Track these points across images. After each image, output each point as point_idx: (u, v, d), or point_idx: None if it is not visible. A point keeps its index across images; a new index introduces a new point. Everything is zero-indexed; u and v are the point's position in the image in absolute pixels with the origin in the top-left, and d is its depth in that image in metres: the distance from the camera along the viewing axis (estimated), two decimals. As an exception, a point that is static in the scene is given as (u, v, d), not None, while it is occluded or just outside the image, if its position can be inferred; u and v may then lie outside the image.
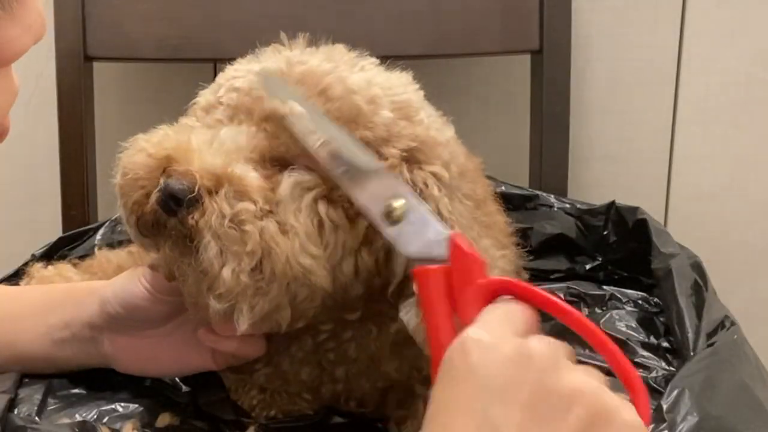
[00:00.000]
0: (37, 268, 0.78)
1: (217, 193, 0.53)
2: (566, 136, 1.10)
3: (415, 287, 0.50)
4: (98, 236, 0.86)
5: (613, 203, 0.88)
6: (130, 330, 0.65)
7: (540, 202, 0.93)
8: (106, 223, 0.87)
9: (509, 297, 0.48)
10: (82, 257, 0.82)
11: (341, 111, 0.56)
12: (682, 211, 1.22)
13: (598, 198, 0.93)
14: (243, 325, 0.55)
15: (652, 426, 0.53)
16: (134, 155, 0.56)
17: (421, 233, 0.51)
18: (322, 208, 0.56)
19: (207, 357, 0.65)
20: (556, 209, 0.92)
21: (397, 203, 0.52)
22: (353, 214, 0.56)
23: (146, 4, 1.07)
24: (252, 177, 0.55)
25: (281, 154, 0.56)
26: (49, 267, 0.78)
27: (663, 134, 1.20)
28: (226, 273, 0.53)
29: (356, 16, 1.04)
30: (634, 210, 0.86)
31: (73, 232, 0.88)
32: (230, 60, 0.64)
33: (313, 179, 0.56)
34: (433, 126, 0.60)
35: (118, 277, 0.65)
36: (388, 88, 0.59)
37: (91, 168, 1.07)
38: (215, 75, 0.64)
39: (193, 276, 0.55)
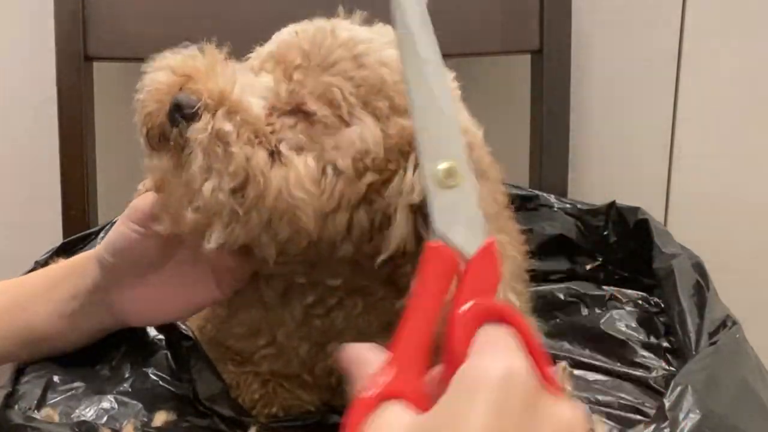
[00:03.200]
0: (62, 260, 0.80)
1: (216, 112, 0.55)
2: (566, 136, 1.10)
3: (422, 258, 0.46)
4: (98, 240, 0.86)
5: (613, 203, 0.88)
6: (132, 281, 0.66)
7: (540, 202, 0.93)
8: (107, 227, 0.87)
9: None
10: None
11: (366, 80, 0.58)
12: (682, 211, 1.22)
13: (598, 198, 0.93)
14: (213, 242, 0.56)
15: (654, 425, 0.53)
16: (158, 72, 0.58)
17: (460, 213, 0.46)
18: (328, 152, 0.57)
19: (212, 288, 0.66)
20: (556, 210, 0.92)
21: (458, 167, 0.46)
22: (362, 167, 0.57)
23: (146, 4, 1.07)
24: (254, 104, 0.56)
25: (301, 103, 0.58)
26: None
27: (663, 134, 1.20)
28: (207, 187, 0.54)
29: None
30: (635, 210, 0.86)
31: (75, 237, 0.88)
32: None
33: (323, 126, 0.57)
34: (463, 113, 0.61)
35: (103, 240, 0.67)
36: None
37: (91, 168, 1.08)
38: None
39: (177, 188, 0.57)
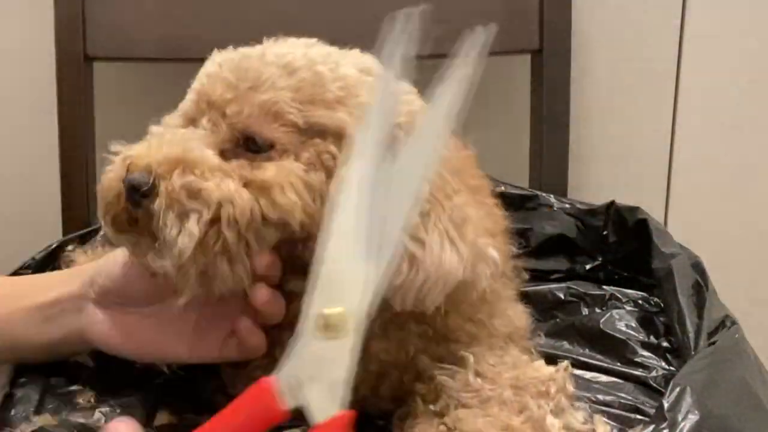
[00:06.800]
0: (80, 252, 0.80)
1: (172, 175, 0.55)
2: (566, 136, 1.10)
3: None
4: (98, 237, 0.86)
5: (613, 203, 0.88)
6: (114, 305, 0.65)
7: (540, 202, 0.93)
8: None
9: None
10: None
11: (303, 80, 0.58)
12: (682, 211, 1.22)
13: (598, 198, 0.93)
14: (187, 294, 0.57)
15: (653, 426, 0.53)
16: (108, 170, 0.59)
17: (326, 370, 0.44)
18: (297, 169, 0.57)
19: (183, 348, 0.64)
20: (556, 209, 0.92)
21: (347, 318, 0.44)
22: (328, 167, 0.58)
23: (146, 4, 1.07)
24: (209, 156, 0.56)
25: (246, 131, 0.58)
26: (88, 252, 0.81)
27: (663, 134, 1.20)
28: (182, 238, 0.54)
29: (356, 16, 1.04)
30: (635, 210, 0.86)
31: (72, 235, 0.88)
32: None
33: (273, 155, 0.58)
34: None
35: (109, 254, 0.67)
36: (350, 56, 0.62)
37: (91, 168, 1.08)
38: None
39: (150, 248, 0.57)
